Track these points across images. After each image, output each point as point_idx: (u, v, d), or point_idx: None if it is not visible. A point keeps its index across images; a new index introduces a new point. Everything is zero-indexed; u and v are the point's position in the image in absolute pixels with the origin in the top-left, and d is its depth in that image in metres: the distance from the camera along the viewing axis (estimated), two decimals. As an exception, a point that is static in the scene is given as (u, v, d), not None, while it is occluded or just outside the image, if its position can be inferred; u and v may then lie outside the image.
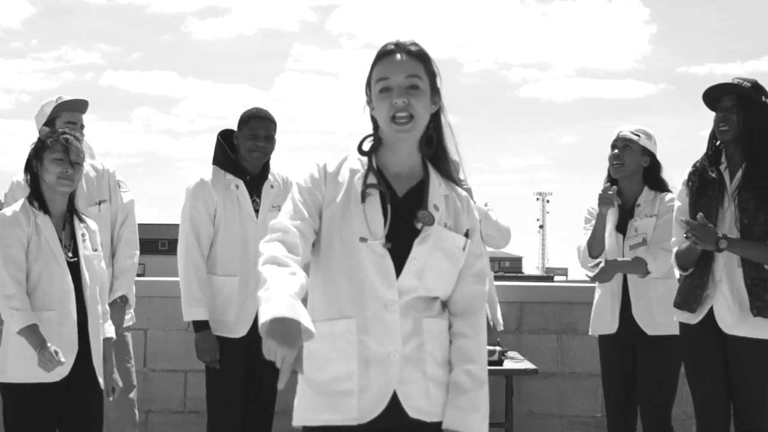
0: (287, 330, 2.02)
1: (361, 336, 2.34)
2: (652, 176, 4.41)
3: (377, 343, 2.33)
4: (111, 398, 3.81)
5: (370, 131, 2.50)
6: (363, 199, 2.38)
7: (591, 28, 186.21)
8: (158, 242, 67.44)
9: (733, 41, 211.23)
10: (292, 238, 2.30)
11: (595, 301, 4.56)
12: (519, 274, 78.17)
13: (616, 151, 4.40)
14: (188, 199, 4.33)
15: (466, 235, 2.45)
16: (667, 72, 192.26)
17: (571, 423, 5.75)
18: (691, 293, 3.86)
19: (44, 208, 3.68)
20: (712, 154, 3.92)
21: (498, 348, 4.85)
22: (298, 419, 2.42)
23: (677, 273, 3.99)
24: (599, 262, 4.39)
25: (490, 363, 4.77)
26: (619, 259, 4.35)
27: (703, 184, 3.89)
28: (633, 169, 4.39)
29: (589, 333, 4.59)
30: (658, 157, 4.45)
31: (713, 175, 3.86)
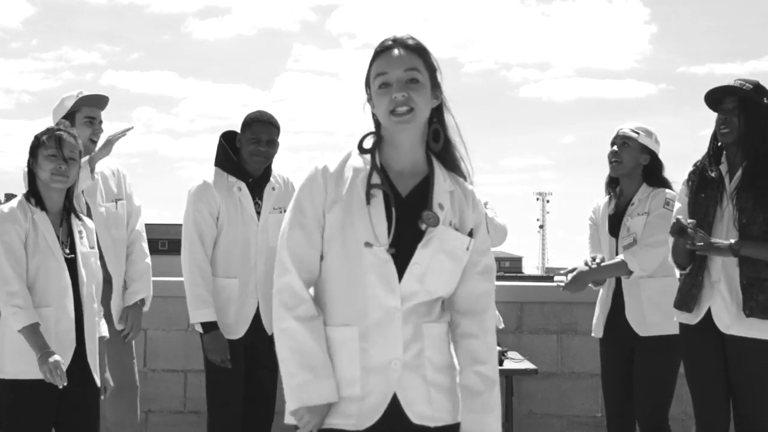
0: (315, 411, 2.32)
1: (362, 344, 2.33)
2: (653, 174, 4.38)
3: (378, 351, 2.33)
4: (103, 397, 3.79)
5: (371, 129, 2.47)
6: (368, 200, 2.35)
7: (591, 28, 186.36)
8: (158, 242, 67.35)
9: (733, 41, 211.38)
10: (317, 320, 2.35)
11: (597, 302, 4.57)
12: (519, 274, 78.09)
13: (615, 148, 4.39)
14: (191, 202, 4.34)
15: (471, 234, 2.42)
16: (667, 72, 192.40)
17: (571, 423, 5.75)
18: (687, 293, 3.87)
19: (41, 204, 3.68)
20: (713, 154, 3.93)
21: (498, 348, 4.84)
22: (292, 418, 2.39)
23: (677, 272, 4.00)
24: (573, 269, 4.37)
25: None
26: (594, 265, 4.33)
27: (703, 183, 3.89)
28: (631, 166, 4.36)
29: (592, 334, 4.59)
30: (661, 156, 4.42)
31: (713, 175, 3.87)
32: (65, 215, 3.73)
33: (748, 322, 3.70)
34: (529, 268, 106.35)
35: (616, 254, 4.36)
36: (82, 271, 3.68)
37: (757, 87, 3.84)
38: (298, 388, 2.30)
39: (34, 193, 3.70)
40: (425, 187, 2.42)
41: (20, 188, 3.96)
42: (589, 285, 4.48)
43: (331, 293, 2.38)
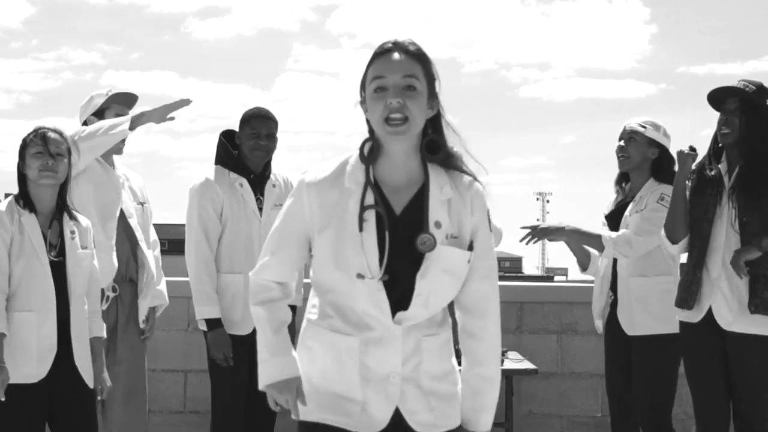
0: (281, 388, 2.36)
1: (362, 356, 2.33)
2: (662, 169, 4.32)
3: (377, 365, 2.33)
4: (100, 398, 3.78)
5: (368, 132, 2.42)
6: (360, 227, 2.29)
7: (591, 28, 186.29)
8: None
9: (733, 41, 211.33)
10: (277, 304, 2.43)
11: None
12: (519, 274, 78.01)
13: (621, 143, 4.36)
14: (194, 199, 4.36)
15: (470, 246, 2.37)
16: (668, 72, 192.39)
17: (571, 423, 5.75)
18: (687, 290, 3.86)
19: (30, 206, 3.66)
20: (713, 153, 3.93)
21: (498, 348, 4.83)
22: (300, 414, 2.41)
23: (668, 246, 3.95)
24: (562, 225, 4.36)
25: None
26: (583, 229, 4.33)
27: (702, 182, 3.90)
28: (639, 161, 4.33)
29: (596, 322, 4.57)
30: (671, 150, 4.35)
31: (712, 174, 3.87)
32: (57, 215, 3.71)
33: (751, 319, 3.70)
34: (529, 268, 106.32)
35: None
36: (71, 273, 3.65)
37: (760, 88, 3.85)
38: (260, 369, 2.39)
39: (24, 194, 3.68)
40: (421, 200, 2.34)
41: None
42: (580, 271, 4.50)
43: (331, 306, 2.37)
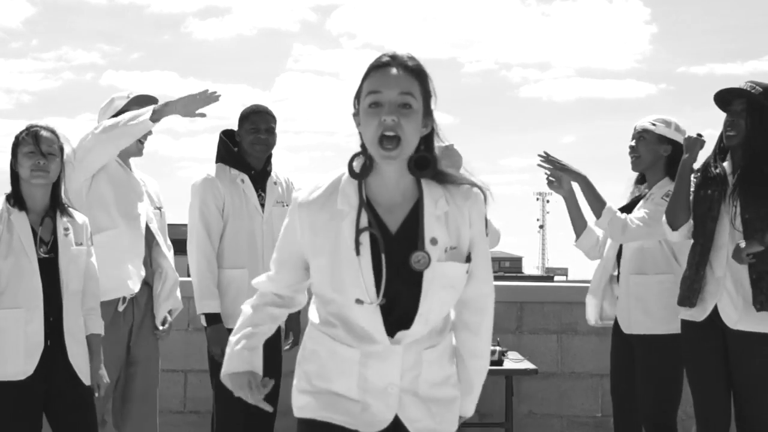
0: (236, 381, 2.48)
1: (361, 367, 2.32)
2: (677, 164, 4.14)
3: (375, 376, 2.33)
4: (97, 394, 3.76)
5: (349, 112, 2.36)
6: (357, 251, 2.25)
7: (591, 28, 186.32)
8: (158, 242, 67.28)
9: (733, 41, 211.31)
10: (264, 308, 2.53)
11: None
12: (519, 274, 78.04)
13: (632, 143, 4.32)
14: (196, 195, 4.39)
15: (468, 258, 2.35)
16: (668, 72, 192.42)
17: (571, 423, 5.75)
18: (689, 288, 3.85)
19: (21, 204, 3.65)
20: (719, 152, 3.92)
21: (498, 348, 4.84)
22: (301, 412, 2.42)
23: (668, 232, 3.92)
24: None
25: (491, 363, 4.75)
26: (595, 189, 4.28)
27: (706, 180, 3.89)
28: (650, 159, 4.27)
29: (587, 317, 4.55)
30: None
31: (717, 172, 3.86)
32: (51, 212, 3.70)
33: (757, 317, 3.69)
34: (529, 268, 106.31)
35: (619, 249, 4.32)
36: (64, 270, 3.65)
37: (767, 90, 3.84)
38: (225, 359, 2.49)
39: (16, 192, 3.68)
40: (416, 218, 2.30)
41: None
42: (574, 241, 4.47)
43: (333, 315, 2.36)
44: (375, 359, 2.31)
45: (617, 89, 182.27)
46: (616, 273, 4.37)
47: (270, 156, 4.54)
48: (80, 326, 3.72)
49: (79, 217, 3.81)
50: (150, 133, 4.25)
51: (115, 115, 4.29)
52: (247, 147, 4.44)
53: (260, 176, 4.49)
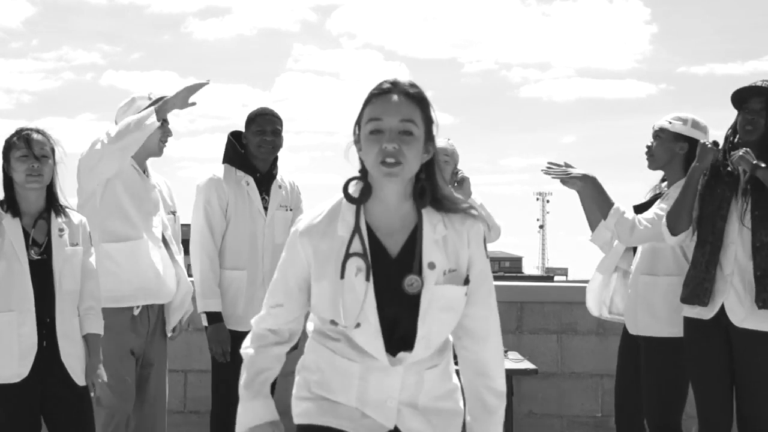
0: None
1: (361, 381, 2.33)
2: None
3: (375, 390, 2.33)
4: (93, 393, 3.76)
5: (349, 153, 2.36)
6: (342, 275, 2.27)
7: (592, 29, 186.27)
8: (158, 242, 67.23)
9: (733, 41, 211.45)
10: (267, 349, 2.47)
11: None
12: (519, 274, 78.01)
13: (649, 142, 4.28)
14: (201, 194, 4.43)
15: (467, 281, 2.34)
16: (668, 72, 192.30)
17: (571, 423, 5.75)
18: (699, 286, 3.82)
19: (14, 209, 3.66)
20: (729, 151, 3.89)
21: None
22: (300, 419, 2.42)
23: (667, 235, 3.90)
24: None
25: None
26: (604, 190, 4.16)
27: (716, 178, 3.86)
28: (667, 158, 4.20)
29: (587, 305, 4.53)
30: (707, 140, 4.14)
31: (728, 170, 3.84)
32: (45, 214, 3.71)
33: (763, 315, 3.68)
34: (529, 268, 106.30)
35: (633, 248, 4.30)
36: (57, 271, 3.65)
37: None
38: (240, 410, 2.46)
39: (10, 197, 3.68)
40: (414, 241, 2.31)
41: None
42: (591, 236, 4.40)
43: (334, 333, 2.35)
44: (375, 374, 2.32)
45: (617, 89, 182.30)
46: (630, 268, 4.33)
47: (276, 159, 4.57)
48: (75, 326, 3.71)
49: (76, 217, 3.81)
50: (170, 134, 4.31)
51: None
52: (254, 149, 4.48)
53: (265, 179, 4.52)
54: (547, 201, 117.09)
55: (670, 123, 4.19)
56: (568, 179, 4.19)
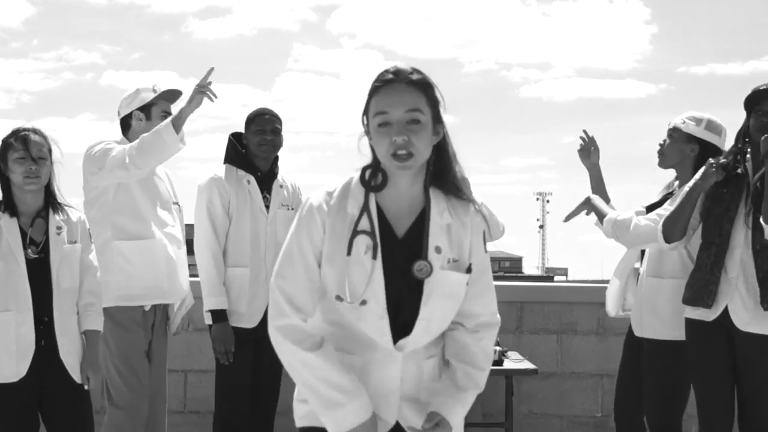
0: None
1: (361, 374, 2.33)
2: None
3: (376, 384, 2.34)
4: (87, 387, 3.74)
5: (360, 144, 2.38)
6: (349, 251, 2.28)
7: (592, 28, 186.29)
8: (158, 242, 67.15)
9: (733, 41, 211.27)
10: (326, 346, 2.32)
11: None
12: (519, 274, 78.04)
13: (661, 140, 4.25)
14: (203, 193, 4.44)
15: (469, 269, 2.37)
16: (668, 72, 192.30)
17: (571, 423, 5.75)
18: (703, 288, 3.80)
19: (12, 210, 3.67)
20: (739, 151, 3.87)
21: (498, 348, 4.84)
22: (302, 421, 2.42)
23: (661, 241, 3.89)
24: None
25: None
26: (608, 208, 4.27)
27: (726, 179, 3.82)
28: (677, 159, 4.17)
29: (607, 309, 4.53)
30: (722, 144, 4.11)
31: (738, 171, 3.82)
32: (43, 213, 3.71)
33: (766, 319, 3.67)
34: (529, 268, 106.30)
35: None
36: (56, 269, 3.66)
37: None
38: (333, 415, 2.28)
39: (7, 197, 3.70)
40: (421, 226, 2.34)
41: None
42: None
43: (335, 326, 2.36)
44: (375, 367, 2.33)
45: (617, 89, 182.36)
46: (640, 267, 4.32)
47: (277, 158, 4.60)
48: (73, 324, 3.72)
49: (74, 214, 3.82)
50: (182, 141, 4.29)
51: (142, 108, 4.34)
52: (254, 149, 4.50)
53: (266, 178, 4.53)
54: (547, 201, 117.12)
55: (684, 123, 4.15)
56: (584, 152, 4.47)
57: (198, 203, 4.46)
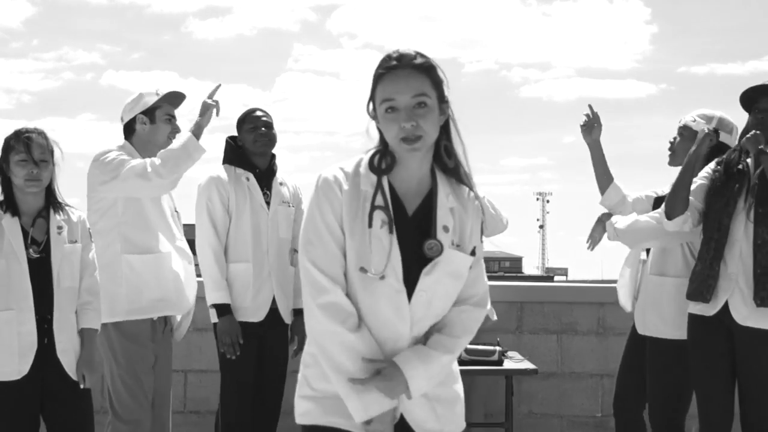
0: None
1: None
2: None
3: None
4: (82, 385, 3.74)
5: (369, 128, 2.41)
6: (370, 224, 2.31)
7: (592, 28, 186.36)
8: (158, 242, 67.13)
9: (733, 41, 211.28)
10: (363, 328, 2.30)
11: None
12: (519, 274, 78.04)
13: (672, 138, 4.27)
14: (202, 192, 4.47)
15: (473, 252, 2.40)
16: (668, 72, 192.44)
17: (571, 423, 5.75)
18: (703, 283, 3.81)
19: (13, 209, 3.68)
20: (742, 150, 3.87)
21: (498, 348, 4.84)
22: (303, 419, 2.41)
23: (664, 221, 3.89)
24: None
25: (491, 363, 4.77)
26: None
27: (728, 174, 3.84)
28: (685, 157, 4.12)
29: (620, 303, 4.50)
30: (733, 142, 4.09)
31: (739, 167, 3.83)
32: (44, 212, 3.73)
33: (765, 314, 3.67)
34: (529, 268, 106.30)
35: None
36: (57, 269, 3.68)
37: None
38: (364, 399, 2.27)
39: (9, 197, 3.71)
40: (429, 207, 2.38)
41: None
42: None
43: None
44: (384, 348, 2.31)
45: (617, 89, 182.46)
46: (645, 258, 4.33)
47: (274, 156, 4.62)
48: (72, 322, 3.73)
49: (75, 214, 3.83)
50: (179, 130, 4.35)
51: (145, 112, 4.31)
52: (250, 146, 4.53)
53: (265, 176, 4.55)
54: (547, 201, 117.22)
55: (695, 121, 4.16)
56: (587, 128, 4.48)
57: (198, 202, 4.49)
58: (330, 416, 2.35)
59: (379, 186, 2.34)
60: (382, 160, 2.37)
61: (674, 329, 4.05)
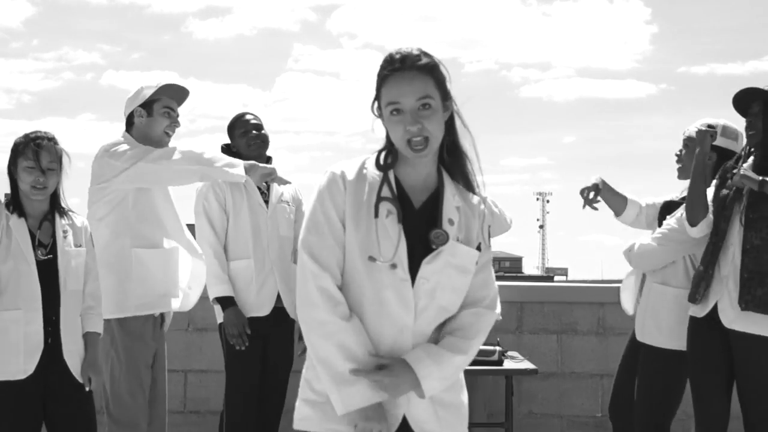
0: (367, 415, 2.28)
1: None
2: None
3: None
4: (88, 388, 3.76)
5: (370, 128, 2.42)
6: (376, 214, 2.32)
7: (592, 28, 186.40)
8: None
9: (733, 41, 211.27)
10: (354, 318, 2.30)
11: None
12: (519, 274, 78.14)
13: (678, 151, 4.26)
14: (200, 195, 4.52)
15: (479, 248, 2.41)
16: (668, 72, 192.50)
17: (571, 423, 5.75)
18: (697, 285, 3.85)
19: (20, 211, 3.70)
20: (745, 155, 3.90)
21: (498, 348, 4.84)
22: (301, 424, 2.40)
23: (688, 228, 3.89)
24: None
25: (491, 363, 4.77)
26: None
27: (725, 180, 3.88)
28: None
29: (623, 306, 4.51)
30: (735, 149, 4.08)
31: (735, 172, 3.84)
32: (49, 216, 3.75)
33: (751, 318, 3.68)
34: (529, 268, 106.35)
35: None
36: (63, 271, 3.70)
37: None
38: (344, 391, 2.26)
39: (15, 199, 3.72)
40: (435, 202, 2.39)
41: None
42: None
43: (348, 302, 2.34)
44: (384, 352, 2.31)
45: (617, 89, 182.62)
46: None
47: (270, 158, 4.64)
48: (78, 325, 3.76)
49: (78, 219, 3.86)
50: (178, 125, 4.32)
51: (143, 105, 4.25)
52: (244, 150, 4.55)
53: None
54: (547, 201, 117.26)
55: (698, 131, 4.08)
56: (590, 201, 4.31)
57: (196, 203, 4.53)
58: (329, 423, 2.33)
59: (385, 179, 2.36)
60: (388, 157, 2.39)
61: (670, 339, 4.07)
